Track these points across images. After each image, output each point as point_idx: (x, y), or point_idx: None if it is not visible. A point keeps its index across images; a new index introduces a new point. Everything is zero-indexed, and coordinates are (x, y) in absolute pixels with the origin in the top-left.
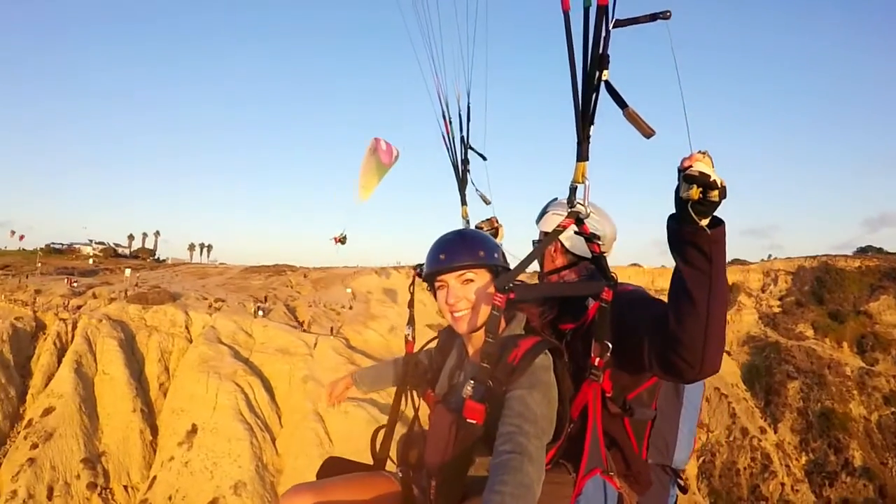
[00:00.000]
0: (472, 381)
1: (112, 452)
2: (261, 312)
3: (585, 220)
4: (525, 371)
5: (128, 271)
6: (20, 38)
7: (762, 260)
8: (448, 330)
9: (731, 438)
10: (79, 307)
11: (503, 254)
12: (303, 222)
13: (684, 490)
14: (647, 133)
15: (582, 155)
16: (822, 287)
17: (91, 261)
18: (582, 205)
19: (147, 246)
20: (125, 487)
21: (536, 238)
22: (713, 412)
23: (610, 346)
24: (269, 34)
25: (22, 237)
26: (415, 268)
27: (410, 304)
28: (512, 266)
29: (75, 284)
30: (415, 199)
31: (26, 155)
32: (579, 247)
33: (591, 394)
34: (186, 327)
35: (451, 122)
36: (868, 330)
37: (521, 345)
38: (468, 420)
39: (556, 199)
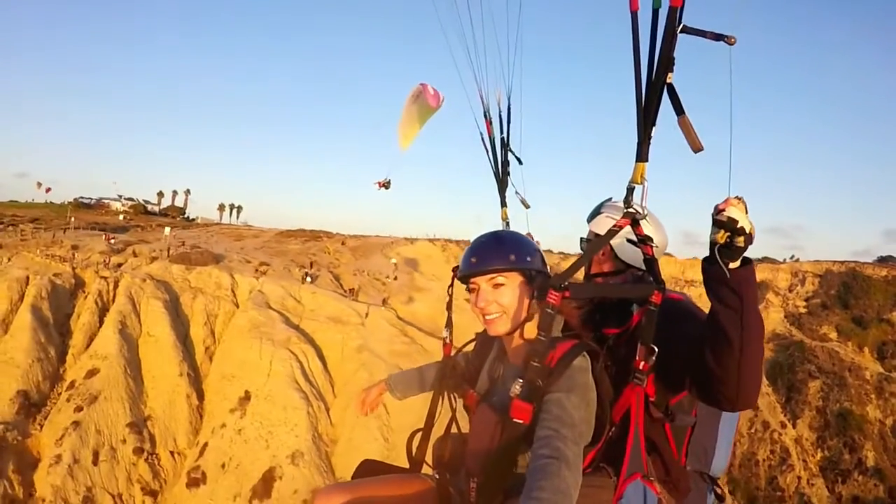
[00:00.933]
0: (520, 381)
1: (158, 417)
2: (309, 279)
3: (641, 223)
4: (563, 374)
5: (167, 230)
6: None
7: (786, 260)
8: (486, 332)
9: (753, 430)
10: (119, 265)
11: (541, 256)
12: (336, 188)
13: (721, 498)
14: (696, 147)
15: (642, 155)
16: (847, 292)
17: (121, 217)
18: (639, 206)
19: (177, 204)
20: (171, 453)
21: (585, 237)
22: None
23: (656, 350)
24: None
25: (49, 189)
26: (454, 269)
27: (449, 307)
28: (552, 268)
29: (112, 241)
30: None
31: (53, 105)
32: (629, 254)
33: (635, 398)
34: (232, 290)
35: (492, 123)
36: (889, 338)
37: (558, 347)
38: (515, 420)
39: (609, 199)
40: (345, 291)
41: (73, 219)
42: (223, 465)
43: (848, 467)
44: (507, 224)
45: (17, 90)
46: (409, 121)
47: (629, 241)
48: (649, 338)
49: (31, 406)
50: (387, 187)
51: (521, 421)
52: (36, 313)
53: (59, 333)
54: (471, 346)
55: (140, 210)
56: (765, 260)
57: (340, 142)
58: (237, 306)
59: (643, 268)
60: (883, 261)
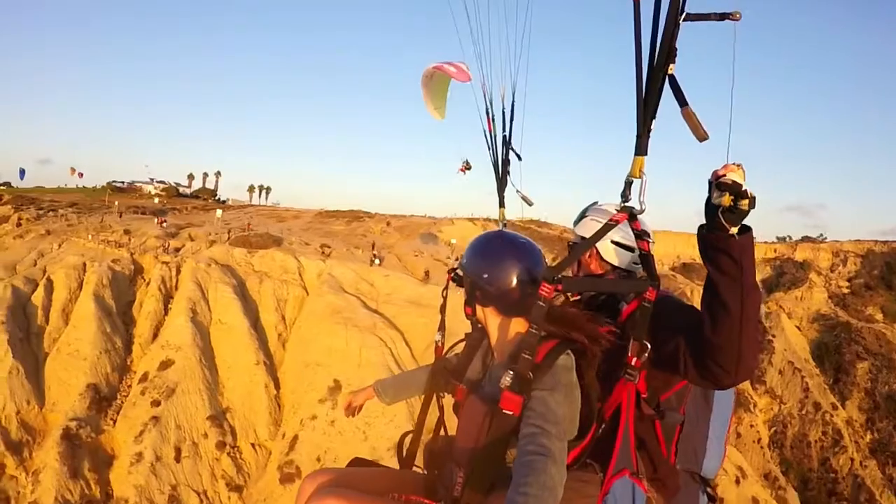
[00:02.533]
0: (510, 372)
1: (237, 409)
2: (377, 261)
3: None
4: (546, 372)
5: (219, 212)
6: None
7: (825, 238)
8: (477, 330)
9: (804, 412)
10: (177, 250)
11: (523, 267)
12: (363, 167)
13: (713, 500)
14: (701, 136)
15: (641, 149)
16: (891, 272)
17: (156, 200)
18: (637, 201)
19: (207, 186)
20: (253, 446)
21: (572, 241)
22: (786, 385)
23: (648, 346)
24: None
25: (81, 175)
26: (449, 271)
27: (442, 310)
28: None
29: (164, 224)
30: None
31: (74, 91)
32: (612, 255)
33: (626, 394)
34: (300, 274)
35: (493, 120)
36: None
37: (543, 345)
38: (505, 411)
39: (595, 202)
40: (415, 275)
41: (116, 203)
42: (318, 459)
43: None
44: (505, 224)
45: (38, 77)
46: (431, 95)
47: (614, 242)
48: (642, 334)
49: (102, 400)
50: (469, 169)
51: (510, 412)
52: (99, 302)
53: (122, 322)
54: (460, 347)
55: (172, 193)
56: (805, 240)
57: (365, 121)
58: (306, 290)
59: (627, 269)
60: None
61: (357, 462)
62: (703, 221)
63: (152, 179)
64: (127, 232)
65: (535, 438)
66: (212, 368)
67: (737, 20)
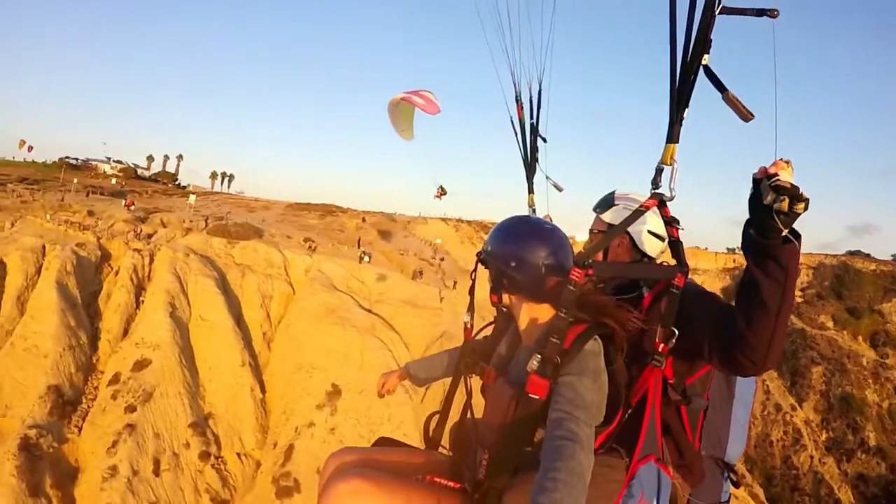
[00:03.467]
0: (538, 356)
1: (220, 414)
2: (367, 258)
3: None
4: (574, 357)
5: (192, 198)
6: None
7: None
8: (503, 315)
9: (766, 413)
10: (149, 236)
11: (550, 252)
12: (328, 160)
13: (737, 485)
14: (747, 117)
15: (673, 136)
16: (840, 284)
17: (114, 181)
18: (668, 188)
19: (168, 170)
20: (239, 455)
21: (592, 228)
22: None
23: (676, 332)
24: None
25: (31, 148)
26: (478, 254)
27: (471, 291)
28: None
29: (132, 208)
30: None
31: (33, 59)
32: (647, 244)
33: (653, 380)
34: (285, 269)
35: (523, 107)
36: (881, 327)
37: (572, 330)
38: (531, 395)
39: (614, 191)
40: (405, 273)
41: (75, 180)
42: (318, 470)
43: (852, 447)
44: (534, 210)
45: None
46: (398, 120)
47: (650, 231)
48: (670, 320)
49: (66, 404)
50: (444, 193)
51: (536, 396)
52: (62, 291)
53: (87, 315)
54: (489, 330)
55: (131, 174)
56: None
57: (334, 112)
58: (292, 287)
59: (653, 258)
60: (853, 254)
61: (382, 442)
62: (749, 219)
63: (109, 158)
64: (91, 213)
65: (564, 424)
66: (192, 369)
67: (775, 17)
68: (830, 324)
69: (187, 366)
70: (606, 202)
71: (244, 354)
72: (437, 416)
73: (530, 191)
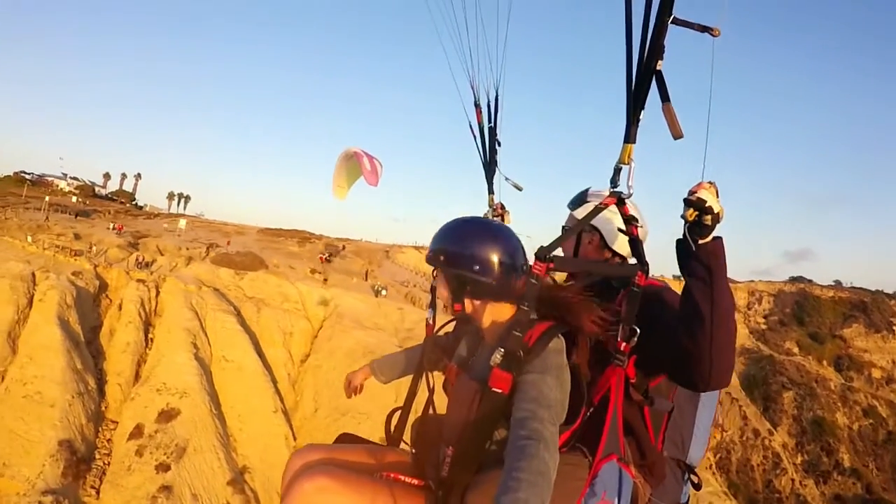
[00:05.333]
0: (501, 350)
1: (255, 467)
2: (384, 292)
3: (627, 203)
4: (539, 354)
5: (182, 222)
6: None
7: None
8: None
9: (745, 438)
10: (147, 264)
11: (508, 251)
12: (292, 184)
13: (698, 486)
14: (677, 134)
15: (630, 137)
16: (801, 310)
17: (74, 199)
18: (626, 187)
19: (125, 188)
20: None
21: (565, 224)
22: (726, 414)
23: (637, 330)
24: None
25: None
26: (429, 260)
27: (433, 289)
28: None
29: (122, 232)
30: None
31: None
32: (618, 242)
33: (615, 379)
34: (301, 303)
35: (481, 112)
36: (843, 352)
37: (536, 327)
38: (494, 389)
39: (589, 188)
40: (421, 305)
41: (46, 198)
42: None
43: (827, 469)
44: (493, 209)
45: None
46: (340, 176)
47: (620, 230)
48: (631, 318)
49: (80, 462)
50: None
51: (500, 390)
52: (65, 328)
53: (90, 355)
54: (450, 326)
55: (89, 192)
56: None
57: (292, 136)
58: (310, 322)
59: (624, 256)
60: (795, 280)
61: (344, 438)
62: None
63: (66, 175)
64: (78, 237)
65: (528, 423)
66: (220, 417)
67: (716, 36)
68: (796, 349)
69: (216, 414)
70: (579, 199)
71: (275, 399)
72: (398, 413)
73: (490, 191)
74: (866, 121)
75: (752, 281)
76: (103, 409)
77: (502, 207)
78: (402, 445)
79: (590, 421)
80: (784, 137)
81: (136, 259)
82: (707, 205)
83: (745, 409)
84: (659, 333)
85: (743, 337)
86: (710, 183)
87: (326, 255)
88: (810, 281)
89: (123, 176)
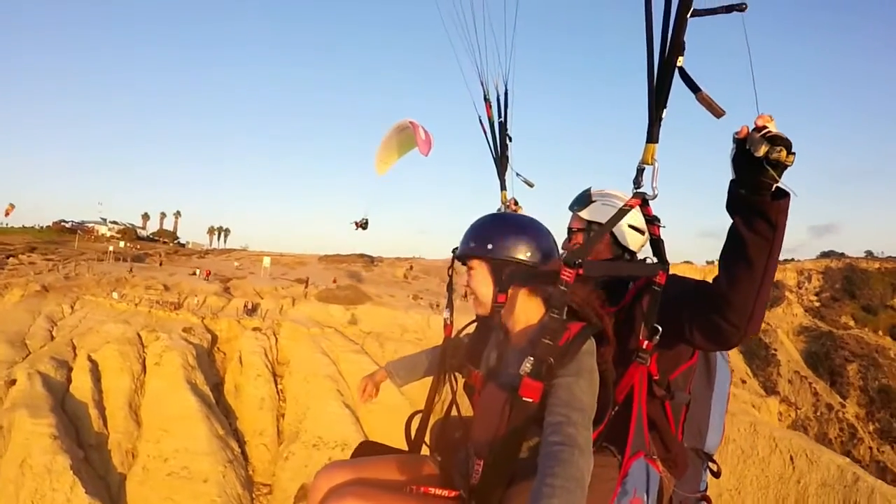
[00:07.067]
0: (531, 358)
1: None
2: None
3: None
4: (572, 357)
5: (266, 260)
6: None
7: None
8: (485, 319)
9: (818, 413)
10: (251, 310)
11: (533, 243)
12: (319, 209)
13: (717, 474)
14: (719, 113)
15: (653, 136)
16: (851, 285)
17: (122, 244)
18: (650, 187)
19: (165, 227)
20: None
21: (571, 226)
22: (797, 392)
23: (659, 329)
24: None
25: (9, 211)
26: (453, 250)
27: (449, 287)
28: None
29: (209, 277)
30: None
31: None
32: (629, 239)
33: (638, 377)
34: (424, 333)
35: (491, 106)
36: None
37: (570, 328)
38: (524, 398)
39: (590, 188)
40: None
41: (111, 248)
42: None
43: None
44: (507, 207)
45: None
46: (389, 149)
47: (630, 226)
48: (653, 317)
49: None
50: (364, 227)
51: (530, 399)
52: (196, 392)
53: (224, 416)
54: (472, 328)
55: (131, 235)
56: None
57: (324, 158)
58: None
59: (634, 252)
60: (826, 255)
61: (364, 447)
62: (735, 179)
63: (105, 220)
64: (167, 288)
65: (561, 428)
66: None
67: (743, 11)
68: (852, 323)
69: None
70: (584, 199)
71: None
72: (418, 416)
73: (503, 188)
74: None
75: (800, 260)
76: (250, 472)
77: (515, 203)
78: (424, 449)
79: (615, 420)
80: (806, 111)
81: (245, 306)
82: (790, 141)
83: (814, 386)
84: (677, 307)
85: (800, 316)
86: (769, 116)
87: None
88: (842, 254)
89: (163, 215)
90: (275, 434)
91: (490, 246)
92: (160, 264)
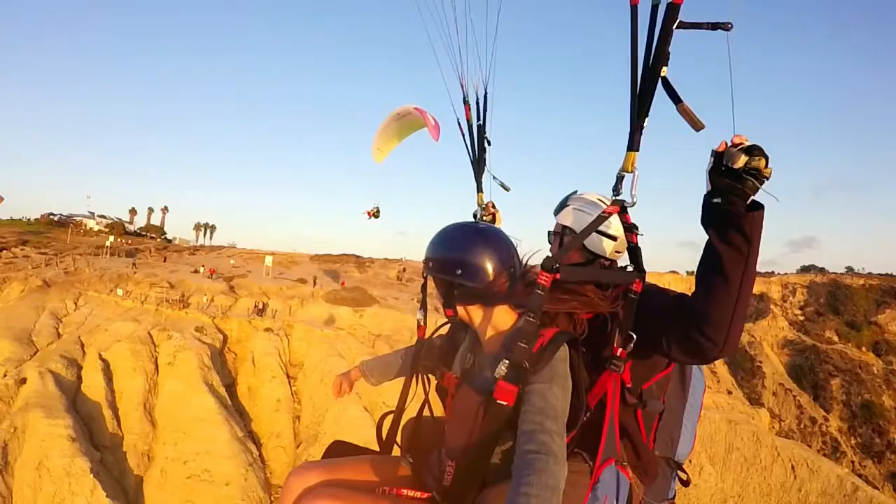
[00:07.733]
0: (506, 361)
1: None
2: None
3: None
4: (546, 363)
5: (268, 260)
6: None
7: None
8: (458, 321)
9: (802, 426)
10: (261, 311)
11: (494, 253)
12: (306, 207)
13: (686, 483)
14: (698, 126)
15: (633, 145)
16: (835, 300)
17: (111, 238)
18: (629, 195)
19: (153, 222)
20: None
21: (553, 229)
22: (781, 405)
23: (634, 336)
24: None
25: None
26: (425, 262)
27: (423, 289)
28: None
29: (213, 276)
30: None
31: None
32: (596, 244)
33: (611, 384)
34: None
35: (471, 109)
36: (881, 337)
37: (543, 334)
38: (499, 401)
39: (575, 191)
40: None
41: (107, 243)
42: None
43: (880, 449)
44: (483, 209)
45: None
46: (387, 136)
47: (598, 231)
48: (628, 325)
49: None
50: (376, 216)
51: (505, 403)
52: (214, 393)
53: (240, 418)
54: (445, 329)
55: (120, 230)
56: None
57: (313, 156)
58: None
59: (607, 258)
60: (806, 269)
61: (336, 446)
62: (711, 190)
63: (93, 213)
64: (172, 285)
65: (536, 436)
66: None
67: (728, 30)
68: (836, 337)
69: None
70: (561, 204)
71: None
72: (390, 416)
73: (479, 190)
74: (863, 113)
75: (784, 274)
76: (268, 475)
77: (493, 206)
78: (395, 449)
79: (587, 426)
80: (780, 127)
81: (256, 306)
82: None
83: (798, 399)
84: (655, 320)
85: (784, 329)
86: (745, 137)
87: (404, 279)
88: (822, 269)
89: (150, 210)
90: (292, 436)
91: (430, 265)
92: (164, 259)
